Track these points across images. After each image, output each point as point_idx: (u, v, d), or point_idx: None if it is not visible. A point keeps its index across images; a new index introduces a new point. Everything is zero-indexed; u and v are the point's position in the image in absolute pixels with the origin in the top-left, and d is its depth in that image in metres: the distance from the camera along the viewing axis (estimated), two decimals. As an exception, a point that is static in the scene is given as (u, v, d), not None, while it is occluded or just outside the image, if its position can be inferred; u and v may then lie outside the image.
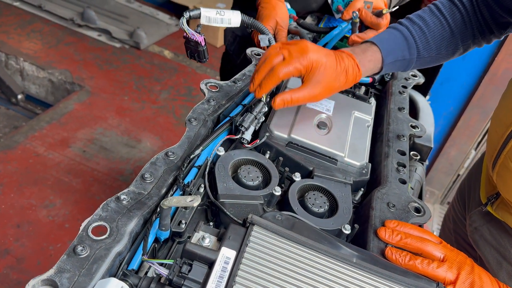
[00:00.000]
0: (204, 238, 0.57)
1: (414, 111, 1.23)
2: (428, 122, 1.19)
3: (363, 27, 1.10)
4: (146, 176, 0.69)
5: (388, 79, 1.16)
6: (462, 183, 1.26)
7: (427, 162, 1.18)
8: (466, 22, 0.91)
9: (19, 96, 3.17)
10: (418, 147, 1.15)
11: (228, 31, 1.42)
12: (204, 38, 0.92)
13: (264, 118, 0.88)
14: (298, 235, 0.57)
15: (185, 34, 0.89)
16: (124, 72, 3.37)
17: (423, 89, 2.61)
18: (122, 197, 0.63)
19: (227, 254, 0.53)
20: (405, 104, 1.05)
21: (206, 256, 0.52)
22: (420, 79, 1.17)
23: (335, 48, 1.16)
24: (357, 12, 1.05)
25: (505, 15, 0.88)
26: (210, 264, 0.52)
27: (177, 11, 4.03)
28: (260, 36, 1.02)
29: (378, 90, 1.17)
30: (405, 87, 1.11)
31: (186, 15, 0.87)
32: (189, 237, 0.59)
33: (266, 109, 0.86)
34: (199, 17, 0.89)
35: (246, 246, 0.54)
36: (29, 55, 3.33)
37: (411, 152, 1.15)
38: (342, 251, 0.58)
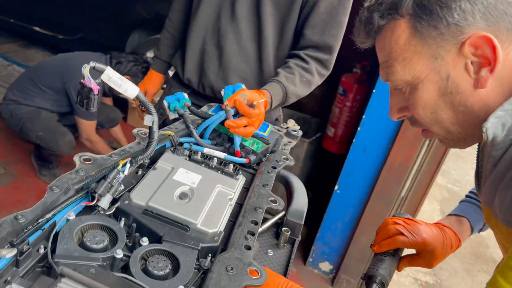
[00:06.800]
0: (12, 289, 0.60)
1: (289, 192, 1.34)
2: (301, 201, 1.30)
3: (239, 114, 1.25)
4: (-15, 236, 0.72)
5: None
6: None
7: (299, 238, 1.27)
8: None
9: None
10: (290, 224, 1.25)
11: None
12: (99, 89, 0.94)
13: (123, 186, 0.95)
14: (106, 286, 0.61)
15: (82, 80, 0.92)
16: (54, 159, 3.34)
17: (331, 179, 2.80)
18: None
19: (26, 302, 0.56)
20: (270, 182, 1.16)
21: (1, 303, 0.55)
22: (291, 162, 1.30)
23: (215, 130, 1.29)
24: (227, 102, 1.21)
25: None
26: (5, 311, 0.55)
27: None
28: (147, 116, 1.12)
29: (255, 169, 1.29)
30: (274, 167, 1.24)
31: (92, 64, 0.90)
32: (-1, 290, 0.61)
33: (121, 175, 0.93)
34: (102, 72, 0.91)
35: (47, 295, 0.58)
36: (-43, 138, 3.26)
37: (283, 228, 1.24)
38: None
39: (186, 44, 1.66)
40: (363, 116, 2.54)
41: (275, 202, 1.10)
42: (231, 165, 1.16)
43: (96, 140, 3.06)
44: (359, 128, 2.58)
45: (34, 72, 3.07)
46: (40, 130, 2.91)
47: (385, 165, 2.54)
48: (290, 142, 1.47)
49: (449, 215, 1.14)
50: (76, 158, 1.01)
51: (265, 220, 1.30)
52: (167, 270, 0.81)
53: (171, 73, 1.96)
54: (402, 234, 1.03)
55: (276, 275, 0.90)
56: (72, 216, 0.84)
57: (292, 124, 1.60)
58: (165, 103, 1.34)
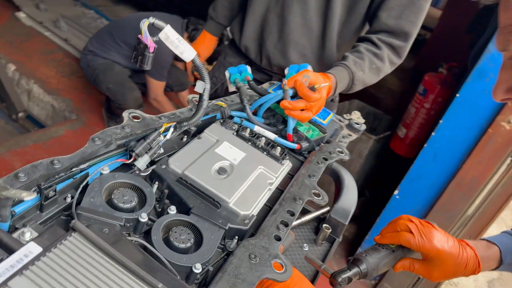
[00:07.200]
0: (24, 233, 0.59)
1: (339, 188, 1.25)
2: (349, 200, 1.20)
3: (297, 96, 1.17)
4: (20, 175, 0.72)
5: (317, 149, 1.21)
6: None
7: (340, 238, 1.18)
8: None
9: (20, 114, 3.30)
10: (333, 222, 1.17)
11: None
12: (155, 47, 0.90)
13: (162, 150, 0.92)
14: (113, 249, 0.58)
15: (140, 35, 0.89)
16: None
17: (392, 182, 2.63)
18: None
19: (32, 248, 0.54)
20: (317, 173, 1.07)
21: (8, 244, 0.54)
22: (345, 156, 1.20)
23: (270, 109, 1.23)
24: (285, 82, 1.12)
25: None
26: (11, 252, 0.54)
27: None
28: (199, 82, 1.08)
29: (305, 157, 1.20)
30: (325, 159, 1.15)
31: (151, 20, 0.86)
32: (16, 229, 0.61)
33: (162, 138, 0.90)
34: (161, 30, 0.88)
35: (55, 247, 0.56)
36: (41, 79, 3.51)
37: (323, 225, 1.16)
38: (154, 277, 0.59)
39: (248, 9, 1.57)
40: (440, 121, 2.33)
41: (318, 195, 1.01)
42: (279, 148, 1.09)
43: (162, 100, 3.13)
44: (433, 133, 2.37)
45: (114, 26, 3.18)
46: (110, 82, 3.03)
47: (455, 177, 2.32)
48: (350, 135, 1.36)
49: (481, 239, 0.99)
50: (125, 114, 1.00)
51: (307, 212, 1.22)
52: (189, 244, 0.77)
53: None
54: (411, 232, 0.92)
55: (302, 278, 0.81)
56: (106, 171, 0.83)
57: (356, 116, 1.48)
58: (227, 74, 1.29)
